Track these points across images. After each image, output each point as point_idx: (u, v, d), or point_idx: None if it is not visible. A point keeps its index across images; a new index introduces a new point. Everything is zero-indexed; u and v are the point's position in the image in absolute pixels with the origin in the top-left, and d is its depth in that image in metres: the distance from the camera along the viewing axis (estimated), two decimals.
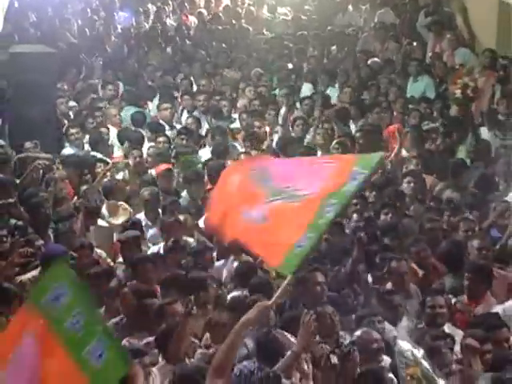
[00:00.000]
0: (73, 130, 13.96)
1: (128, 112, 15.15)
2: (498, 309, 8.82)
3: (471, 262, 9.64)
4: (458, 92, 15.00)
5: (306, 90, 16.45)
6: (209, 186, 11.94)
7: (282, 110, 15.06)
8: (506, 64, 15.76)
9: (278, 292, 6.71)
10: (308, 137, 14.11)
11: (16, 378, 6.01)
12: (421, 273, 9.69)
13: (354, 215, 11.12)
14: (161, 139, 13.67)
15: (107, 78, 16.72)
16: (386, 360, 7.58)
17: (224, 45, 19.07)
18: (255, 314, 6.36)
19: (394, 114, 14.76)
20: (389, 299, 8.88)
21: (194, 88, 16.69)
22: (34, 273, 9.43)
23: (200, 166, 12.86)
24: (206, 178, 12.27)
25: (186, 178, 12.15)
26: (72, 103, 15.90)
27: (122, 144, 13.98)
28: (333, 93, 16.17)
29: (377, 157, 7.25)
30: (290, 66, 17.79)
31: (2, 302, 8.20)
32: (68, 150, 13.67)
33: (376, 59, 17.45)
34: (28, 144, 12.99)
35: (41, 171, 12.15)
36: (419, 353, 6.87)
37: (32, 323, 6.10)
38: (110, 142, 14.15)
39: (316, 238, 6.66)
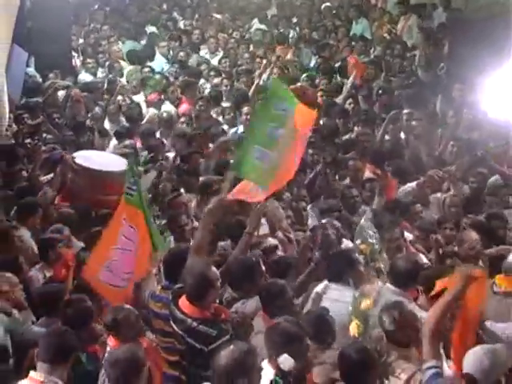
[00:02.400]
0: (90, 60, 14.47)
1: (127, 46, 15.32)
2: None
3: None
4: (386, 35, 15.13)
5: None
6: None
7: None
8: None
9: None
10: (264, 76, 13.51)
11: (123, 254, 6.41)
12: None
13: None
14: (145, 69, 13.71)
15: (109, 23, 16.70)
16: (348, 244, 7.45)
17: None
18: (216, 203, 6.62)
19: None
20: (348, 192, 9.09)
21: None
22: (49, 176, 9.47)
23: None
24: None
25: None
26: (81, 41, 16.02)
27: (132, 63, 14.35)
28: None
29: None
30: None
31: (29, 211, 8.34)
32: (84, 76, 14.10)
33: (328, 4, 17.31)
34: (51, 75, 13.39)
35: (59, 93, 12.54)
36: (375, 234, 6.66)
37: (129, 213, 6.44)
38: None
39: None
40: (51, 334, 5.33)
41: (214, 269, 5.89)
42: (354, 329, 5.99)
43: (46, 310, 6.48)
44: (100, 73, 14.29)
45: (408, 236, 7.97)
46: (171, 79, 13.62)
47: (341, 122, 11.75)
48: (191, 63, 14.58)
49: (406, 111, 11.78)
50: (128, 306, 5.99)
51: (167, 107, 12.43)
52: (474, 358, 4.83)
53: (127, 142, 10.66)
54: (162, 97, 12.74)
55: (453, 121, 11.83)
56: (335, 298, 6.41)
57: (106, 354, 5.51)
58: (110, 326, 5.85)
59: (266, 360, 5.02)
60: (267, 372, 4.87)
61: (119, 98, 12.59)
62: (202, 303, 5.68)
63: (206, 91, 13.28)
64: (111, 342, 5.81)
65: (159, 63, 14.68)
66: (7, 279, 6.69)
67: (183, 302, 5.75)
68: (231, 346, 4.88)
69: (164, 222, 8.41)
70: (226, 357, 4.77)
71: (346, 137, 11.32)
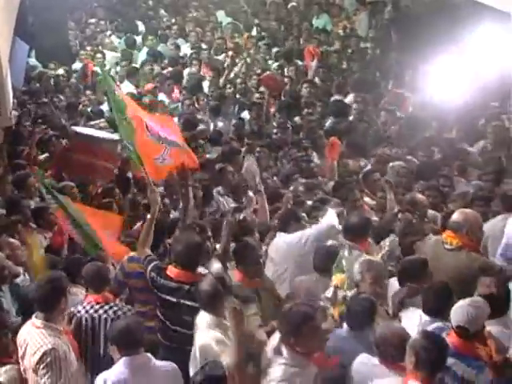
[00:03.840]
0: (82, 52, 14.42)
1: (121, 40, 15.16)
2: None
3: None
4: (341, 31, 15.09)
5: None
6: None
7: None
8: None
9: None
10: (235, 69, 13.49)
11: None
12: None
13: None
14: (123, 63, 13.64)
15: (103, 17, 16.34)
16: None
17: None
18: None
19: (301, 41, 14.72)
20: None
21: None
22: (45, 155, 9.62)
23: None
24: None
25: None
26: (78, 33, 15.68)
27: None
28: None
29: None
30: None
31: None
32: (77, 65, 14.00)
33: (294, 3, 16.93)
34: (51, 65, 13.43)
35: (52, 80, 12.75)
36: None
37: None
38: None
39: None
40: (38, 286, 5.21)
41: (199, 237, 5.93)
42: (338, 280, 5.91)
43: None
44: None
45: (369, 201, 8.14)
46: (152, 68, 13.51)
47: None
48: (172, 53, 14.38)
49: (352, 94, 11.89)
50: (98, 263, 5.87)
51: (162, 97, 12.32)
52: (461, 311, 4.84)
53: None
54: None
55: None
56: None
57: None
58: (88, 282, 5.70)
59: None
60: (280, 351, 4.77)
61: None
62: (193, 268, 5.65)
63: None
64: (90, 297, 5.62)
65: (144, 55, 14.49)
66: (8, 244, 6.68)
67: (172, 271, 5.67)
68: (210, 276, 5.24)
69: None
70: (208, 284, 5.10)
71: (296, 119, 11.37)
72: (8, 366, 5.04)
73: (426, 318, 5.26)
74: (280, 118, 11.29)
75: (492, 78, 10.86)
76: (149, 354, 4.90)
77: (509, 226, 6.65)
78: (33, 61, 13.73)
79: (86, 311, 5.48)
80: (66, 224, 6.62)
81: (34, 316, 5.12)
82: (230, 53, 13.77)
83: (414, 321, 5.32)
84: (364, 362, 4.80)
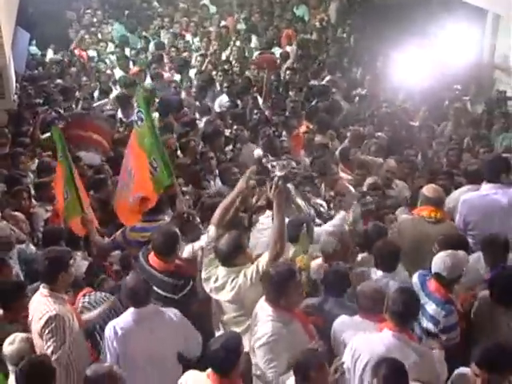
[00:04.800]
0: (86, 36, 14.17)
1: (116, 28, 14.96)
2: None
3: None
4: (318, 23, 14.88)
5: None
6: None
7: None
8: None
9: None
10: (226, 52, 13.52)
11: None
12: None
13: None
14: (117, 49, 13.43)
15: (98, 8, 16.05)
16: None
17: None
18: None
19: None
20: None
21: None
22: (46, 135, 9.24)
23: None
24: None
25: None
26: (76, 25, 15.29)
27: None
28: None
29: (141, 96, 6.85)
30: None
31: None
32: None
33: None
34: (49, 50, 13.30)
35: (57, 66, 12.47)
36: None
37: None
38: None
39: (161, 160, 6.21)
40: (40, 261, 5.14)
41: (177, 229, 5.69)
42: (300, 263, 5.83)
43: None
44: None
45: (346, 176, 8.05)
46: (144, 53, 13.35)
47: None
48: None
49: (328, 78, 11.87)
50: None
51: (148, 81, 12.11)
52: (439, 260, 5.11)
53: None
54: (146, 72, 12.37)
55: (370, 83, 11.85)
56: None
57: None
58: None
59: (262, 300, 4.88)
60: (265, 309, 4.79)
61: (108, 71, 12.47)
62: (168, 258, 5.43)
63: None
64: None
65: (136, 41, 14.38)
66: (13, 217, 6.66)
67: (152, 257, 5.49)
68: (227, 234, 5.15)
69: None
70: (226, 243, 5.08)
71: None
72: (23, 335, 4.99)
73: (380, 273, 5.54)
74: (275, 99, 11.08)
75: (455, 63, 10.91)
76: (155, 305, 4.96)
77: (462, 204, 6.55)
78: (33, 49, 13.56)
79: (88, 301, 5.35)
80: (60, 187, 6.46)
81: (41, 286, 5.09)
82: (215, 43, 13.65)
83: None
84: (345, 322, 4.88)
